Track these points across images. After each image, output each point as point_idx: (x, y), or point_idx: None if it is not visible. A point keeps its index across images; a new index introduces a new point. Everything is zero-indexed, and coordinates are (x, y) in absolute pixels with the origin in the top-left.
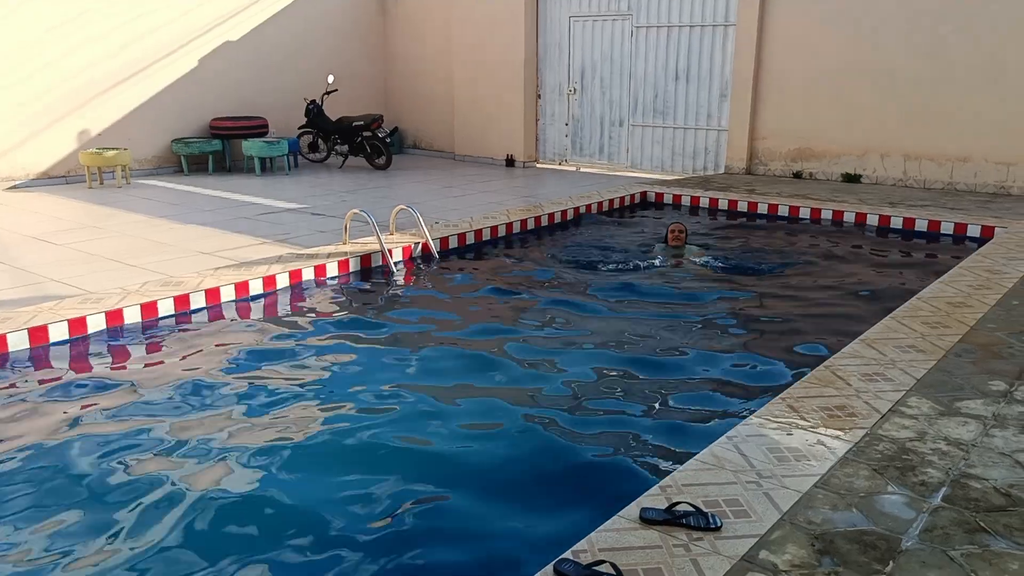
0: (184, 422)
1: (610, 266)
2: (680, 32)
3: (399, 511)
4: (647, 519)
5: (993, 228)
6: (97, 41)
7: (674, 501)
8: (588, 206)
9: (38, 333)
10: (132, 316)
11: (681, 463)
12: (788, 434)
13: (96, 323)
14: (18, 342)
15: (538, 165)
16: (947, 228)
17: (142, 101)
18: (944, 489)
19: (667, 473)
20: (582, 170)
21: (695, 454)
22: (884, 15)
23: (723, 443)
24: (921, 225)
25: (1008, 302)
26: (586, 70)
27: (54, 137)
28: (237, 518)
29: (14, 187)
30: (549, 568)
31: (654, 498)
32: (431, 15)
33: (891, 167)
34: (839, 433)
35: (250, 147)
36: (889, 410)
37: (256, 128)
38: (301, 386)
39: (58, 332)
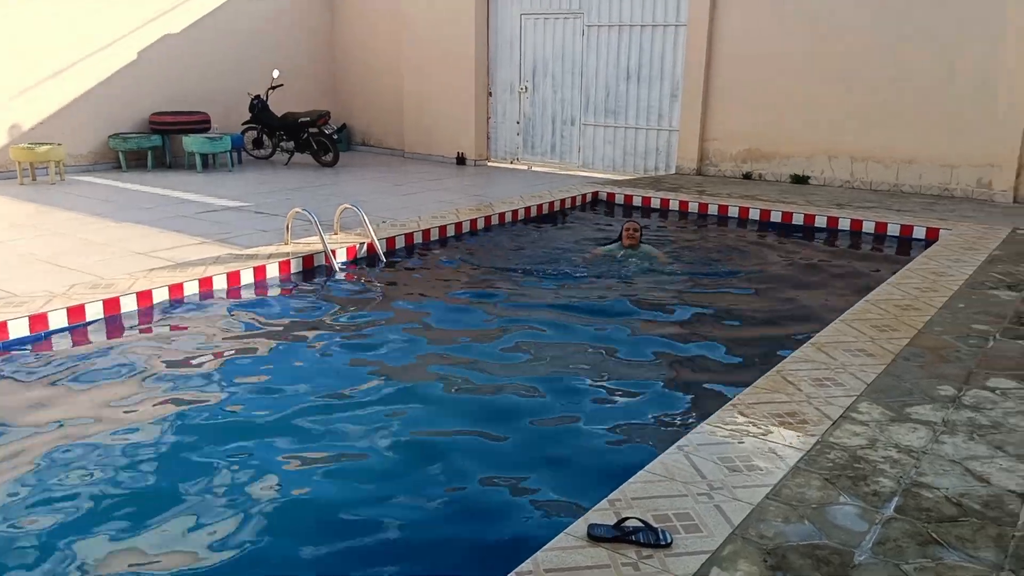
0: (110, 432)
1: (561, 268)
2: (631, 31)
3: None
4: (595, 536)
5: (938, 230)
6: (30, 32)
7: (623, 516)
8: (539, 206)
9: None
10: (58, 320)
11: (631, 474)
12: (739, 442)
13: (18, 329)
14: None
15: (489, 164)
16: (894, 230)
17: (78, 95)
18: (896, 499)
19: (616, 486)
20: (534, 169)
21: (645, 464)
22: (834, 17)
23: (673, 453)
24: (868, 227)
25: (954, 304)
26: (538, 68)
27: None
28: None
29: None
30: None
31: (603, 513)
32: (381, 10)
33: (839, 168)
34: (791, 441)
35: (191, 143)
36: (840, 416)
37: (197, 123)
38: (233, 391)
39: None
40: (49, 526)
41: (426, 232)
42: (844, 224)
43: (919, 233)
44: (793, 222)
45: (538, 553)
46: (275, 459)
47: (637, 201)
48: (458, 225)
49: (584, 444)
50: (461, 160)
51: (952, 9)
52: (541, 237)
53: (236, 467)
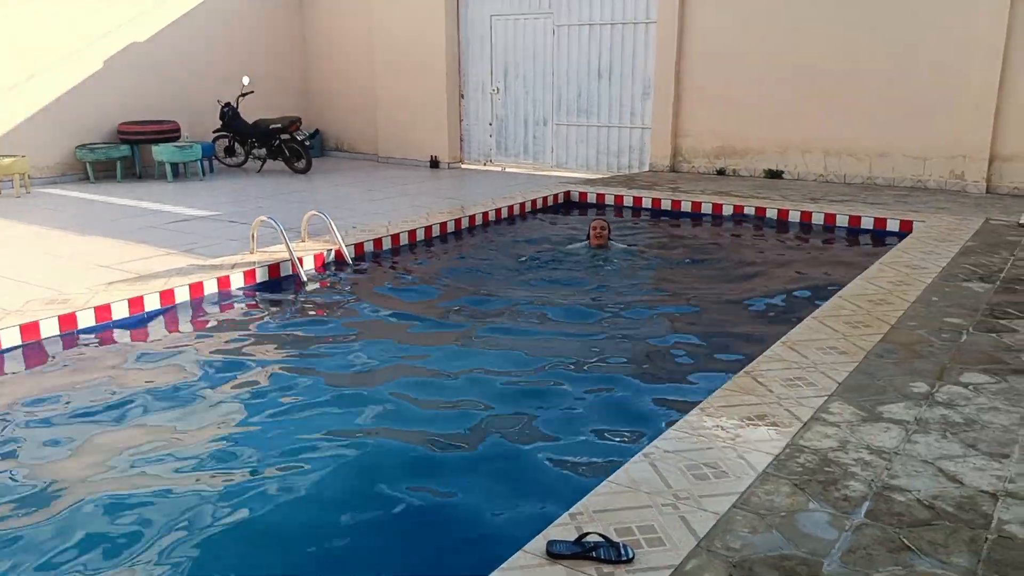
0: (64, 452)
1: (528, 270)
2: (601, 30)
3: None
4: (554, 553)
5: (911, 222)
6: None
7: (584, 532)
8: (511, 207)
9: None
10: (10, 339)
11: (594, 486)
12: (707, 448)
13: None
14: None
15: (463, 166)
16: (867, 223)
17: (42, 105)
18: (867, 503)
19: (578, 498)
20: (508, 170)
21: (609, 475)
22: (803, 11)
23: (638, 462)
24: (842, 221)
25: (928, 298)
26: (509, 69)
27: None
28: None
29: None
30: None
31: (563, 528)
32: (351, 15)
33: (812, 163)
34: (760, 445)
35: (160, 152)
36: (811, 418)
37: (167, 132)
38: (193, 407)
39: None
40: None
41: (395, 236)
42: (818, 218)
43: (893, 226)
44: (767, 216)
45: (494, 573)
46: (213, 476)
47: (609, 200)
48: (427, 229)
49: (546, 455)
50: (435, 163)
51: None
52: (510, 239)
53: (175, 481)
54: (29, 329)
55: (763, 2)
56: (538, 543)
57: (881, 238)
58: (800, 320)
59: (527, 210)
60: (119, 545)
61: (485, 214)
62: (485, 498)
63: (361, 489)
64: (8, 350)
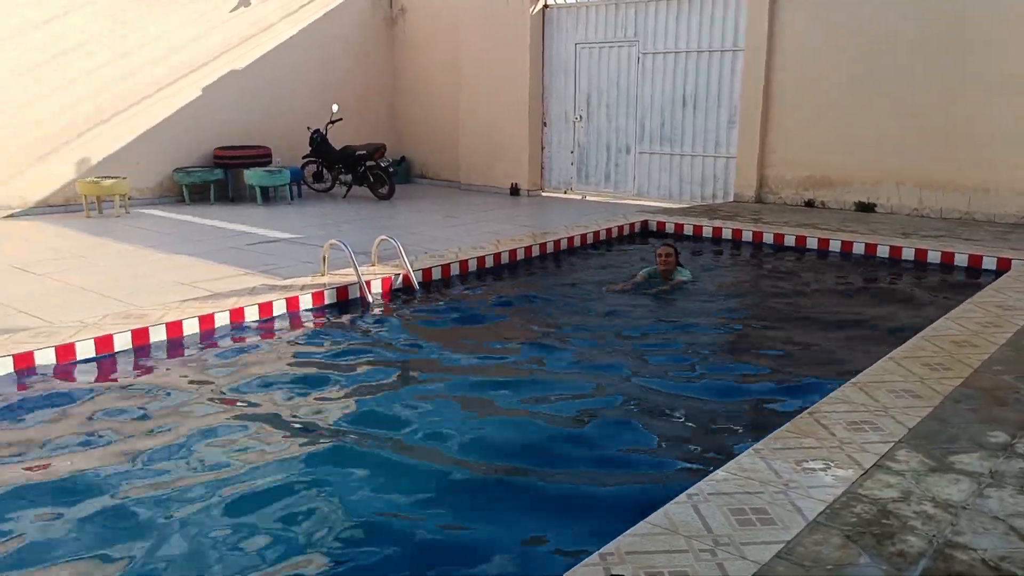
0: (134, 464)
1: (593, 299)
2: (687, 58)
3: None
4: None
5: (1010, 260)
6: (100, 69)
7: (612, 574)
8: (583, 235)
9: None
10: (85, 351)
11: (631, 524)
12: (756, 492)
13: (45, 358)
14: None
15: (543, 194)
16: (961, 260)
17: (145, 130)
18: (924, 561)
19: (611, 538)
20: (588, 198)
21: (647, 514)
22: (898, 37)
23: (680, 502)
24: (934, 257)
25: (1018, 341)
26: (592, 97)
27: (54, 166)
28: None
29: (11, 216)
30: None
31: (592, 569)
32: (438, 46)
33: (906, 196)
34: (813, 492)
35: (251, 176)
36: (873, 465)
37: (258, 157)
38: (259, 421)
39: (2, 367)
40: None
41: (463, 263)
42: (908, 254)
43: (989, 263)
44: (853, 251)
45: None
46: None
47: (688, 230)
48: (496, 256)
49: (582, 490)
50: (515, 191)
51: (1016, 19)
52: (580, 267)
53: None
54: (103, 342)
55: (856, 29)
56: None
57: (975, 276)
58: (875, 361)
59: (601, 239)
60: (212, 556)
61: (557, 242)
62: (518, 532)
63: (377, 511)
64: (83, 361)
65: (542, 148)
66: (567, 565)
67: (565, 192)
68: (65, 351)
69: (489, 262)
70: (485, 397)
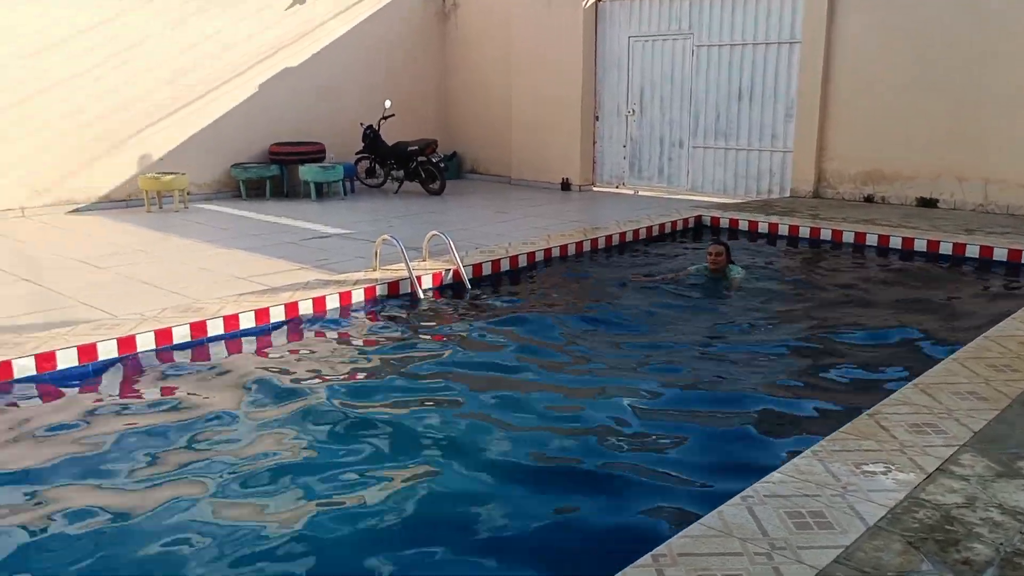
0: (191, 455)
1: (644, 296)
2: (743, 50)
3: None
4: None
5: None
6: (159, 67)
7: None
8: (636, 231)
9: (45, 359)
10: (145, 343)
11: (683, 525)
12: (814, 495)
13: (107, 350)
14: (25, 368)
15: (595, 189)
16: None
17: (203, 126)
18: (991, 570)
19: (664, 538)
20: (640, 193)
21: (702, 515)
22: (960, 27)
23: (735, 504)
24: (1000, 255)
25: None
26: (645, 91)
27: (115, 161)
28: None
29: (76, 210)
30: None
31: (644, 570)
32: (490, 42)
33: (970, 191)
34: (873, 496)
35: (306, 172)
36: (937, 469)
37: (313, 153)
38: (312, 413)
39: (66, 359)
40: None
41: (513, 259)
42: (972, 251)
43: None
44: (915, 249)
45: None
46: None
47: (743, 225)
48: (547, 251)
49: (636, 489)
50: (566, 186)
51: None
52: (631, 263)
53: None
54: (163, 334)
55: (917, 19)
56: None
57: None
58: (937, 361)
59: (653, 234)
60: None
61: (608, 237)
62: (570, 529)
63: (424, 514)
64: (144, 352)
65: (594, 143)
66: (619, 565)
67: (617, 187)
68: (126, 343)
69: (540, 257)
70: (535, 392)
